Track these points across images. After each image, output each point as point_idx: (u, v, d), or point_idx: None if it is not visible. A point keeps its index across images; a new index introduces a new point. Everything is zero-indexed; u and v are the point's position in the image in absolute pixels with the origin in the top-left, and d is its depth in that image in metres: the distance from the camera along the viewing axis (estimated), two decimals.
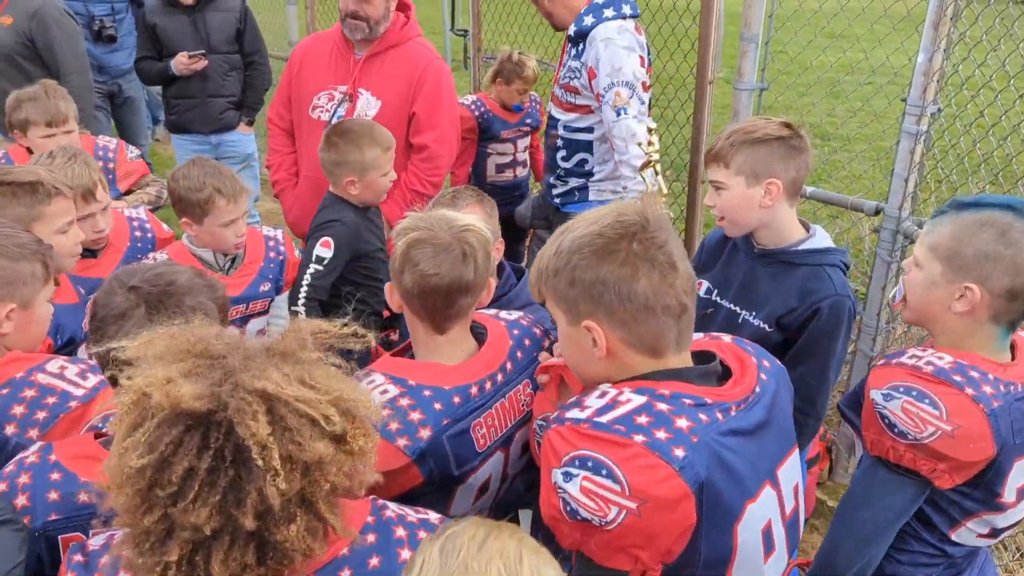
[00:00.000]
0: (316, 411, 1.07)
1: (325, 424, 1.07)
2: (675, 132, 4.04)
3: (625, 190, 3.30)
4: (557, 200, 3.60)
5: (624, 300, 1.38)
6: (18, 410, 1.64)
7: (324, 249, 2.80)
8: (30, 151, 3.21)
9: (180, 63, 4.40)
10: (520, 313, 1.99)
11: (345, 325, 1.21)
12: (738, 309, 2.38)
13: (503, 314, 1.97)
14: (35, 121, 3.17)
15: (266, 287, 2.80)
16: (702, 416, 1.33)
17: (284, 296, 2.88)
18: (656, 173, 2.91)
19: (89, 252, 2.66)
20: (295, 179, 3.60)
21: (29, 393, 1.67)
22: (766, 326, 2.29)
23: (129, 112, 5.48)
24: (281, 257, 2.87)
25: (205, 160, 2.70)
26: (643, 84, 3.22)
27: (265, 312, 2.85)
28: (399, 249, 1.74)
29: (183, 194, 2.59)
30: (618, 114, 3.16)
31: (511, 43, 5.36)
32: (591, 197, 3.52)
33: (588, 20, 3.25)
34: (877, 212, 3.12)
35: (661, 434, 1.29)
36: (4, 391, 1.67)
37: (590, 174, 3.47)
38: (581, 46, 3.29)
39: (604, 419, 1.32)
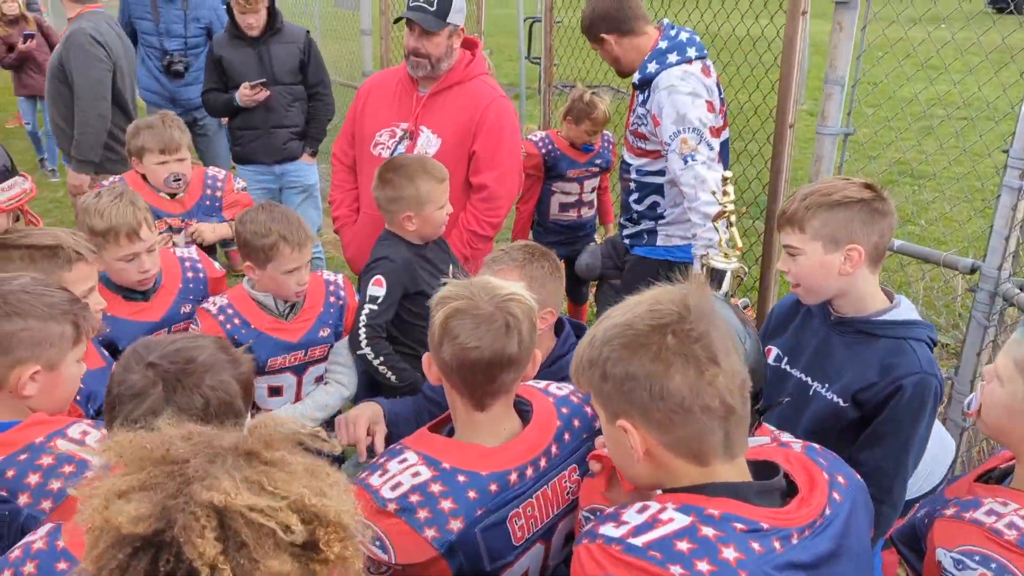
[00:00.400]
0: (273, 520, 0.94)
1: (284, 534, 0.95)
2: (756, 168, 3.80)
3: (694, 237, 3.15)
4: (627, 241, 3.56)
5: (657, 399, 1.23)
6: (33, 479, 1.57)
7: (376, 288, 2.76)
8: (145, 178, 3.36)
9: (243, 95, 4.43)
10: (572, 387, 1.85)
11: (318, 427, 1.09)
12: (809, 380, 2.21)
13: (553, 388, 1.83)
14: (150, 148, 3.30)
15: (325, 332, 2.75)
16: (755, 545, 1.16)
17: (344, 342, 2.83)
18: (730, 224, 2.74)
19: (140, 294, 2.64)
20: (355, 215, 3.56)
21: (46, 460, 1.59)
22: (840, 400, 2.11)
23: (205, 142, 5.58)
24: (341, 302, 2.82)
25: (273, 205, 2.67)
26: (712, 129, 3.08)
27: (324, 359, 2.80)
28: (438, 319, 1.63)
29: (248, 238, 2.56)
30: (685, 161, 3.05)
31: (586, 72, 5.23)
32: (659, 242, 3.46)
33: (652, 67, 3.17)
34: (973, 271, 2.86)
35: (703, 566, 1.13)
36: (21, 456, 1.60)
37: (661, 217, 3.40)
38: (647, 93, 3.21)
39: (639, 541, 1.17)
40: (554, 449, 1.68)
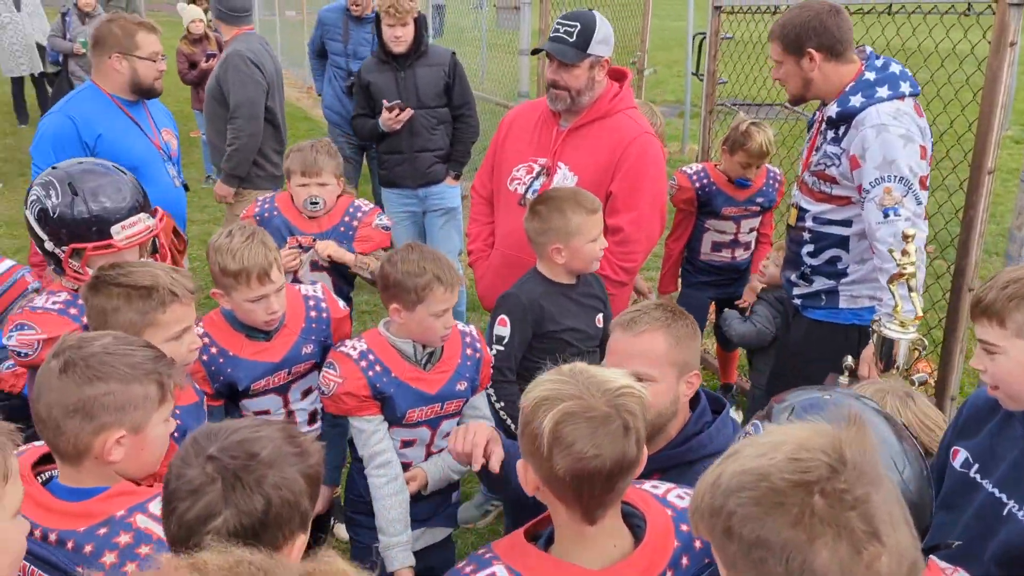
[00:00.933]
0: None
1: None
2: (956, 205, 3.25)
3: (880, 302, 2.74)
4: (798, 301, 3.09)
5: None
6: (109, 558, 1.50)
7: (501, 328, 2.74)
8: (292, 199, 3.45)
9: (385, 120, 4.40)
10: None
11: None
12: (1004, 497, 1.84)
13: (672, 496, 1.55)
14: (294, 170, 3.36)
15: (463, 386, 2.61)
16: None
17: (482, 395, 2.72)
18: (910, 290, 2.34)
19: (262, 334, 2.59)
20: (489, 250, 3.45)
21: (124, 539, 1.52)
22: None
23: (376, 165, 5.66)
24: (478, 355, 2.68)
25: (422, 246, 2.59)
26: (922, 180, 2.65)
27: (457, 413, 2.66)
28: (544, 426, 1.38)
29: (400, 278, 2.45)
30: (885, 215, 2.64)
31: (759, 88, 4.85)
32: (842, 304, 2.97)
33: (856, 100, 2.73)
34: None
35: None
36: (101, 531, 1.54)
37: (842, 274, 2.94)
38: (843, 129, 2.78)
39: None
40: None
